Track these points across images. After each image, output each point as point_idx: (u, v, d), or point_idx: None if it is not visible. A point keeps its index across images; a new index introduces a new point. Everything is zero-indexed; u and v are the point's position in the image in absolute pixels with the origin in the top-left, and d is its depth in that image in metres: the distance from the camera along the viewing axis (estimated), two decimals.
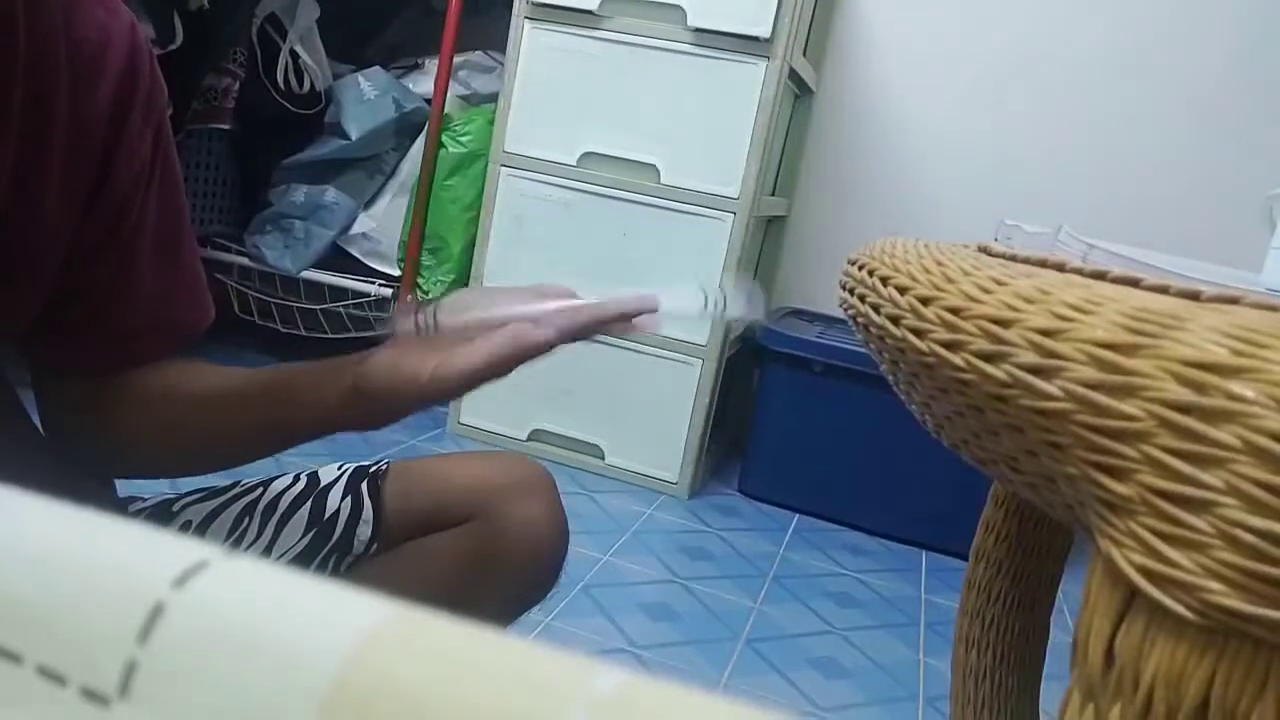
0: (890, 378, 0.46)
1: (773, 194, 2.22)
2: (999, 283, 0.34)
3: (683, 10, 1.89)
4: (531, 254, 2.05)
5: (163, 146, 0.68)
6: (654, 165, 1.96)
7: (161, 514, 0.76)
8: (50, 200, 0.61)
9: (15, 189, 0.59)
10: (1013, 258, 0.45)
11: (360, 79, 2.23)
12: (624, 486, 2.04)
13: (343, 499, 0.76)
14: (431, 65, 2.24)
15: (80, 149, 0.62)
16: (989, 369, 0.32)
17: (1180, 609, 0.26)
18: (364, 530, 0.75)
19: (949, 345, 0.34)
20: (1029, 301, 0.32)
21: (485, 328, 0.57)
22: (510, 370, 0.57)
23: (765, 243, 2.36)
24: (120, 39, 0.63)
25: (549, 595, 0.79)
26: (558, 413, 2.09)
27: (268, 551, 0.74)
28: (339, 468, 0.80)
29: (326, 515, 0.75)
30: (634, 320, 0.60)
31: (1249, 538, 0.25)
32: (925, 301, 0.36)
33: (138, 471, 0.78)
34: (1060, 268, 0.40)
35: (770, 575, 1.75)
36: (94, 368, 0.69)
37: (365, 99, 2.21)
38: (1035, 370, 0.30)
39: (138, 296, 0.68)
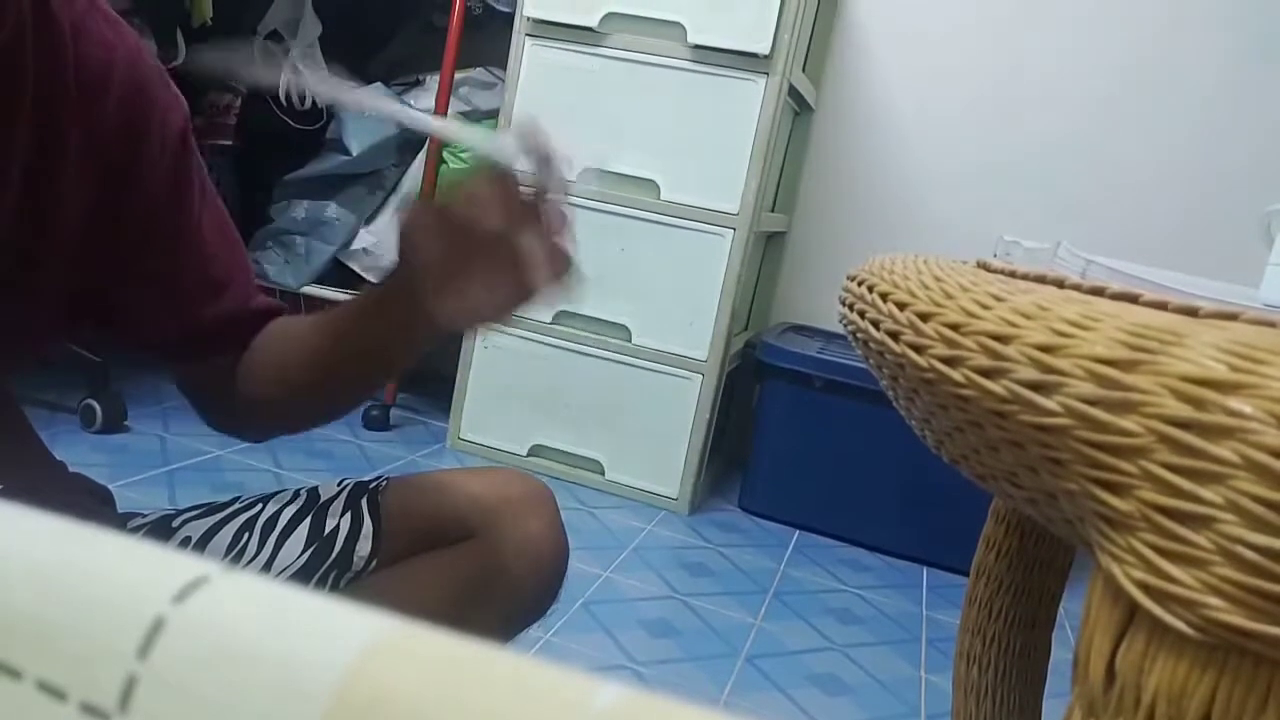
0: (890, 393, 0.46)
1: (772, 210, 2.23)
2: (998, 298, 0.34)
3: (682, 27, 1.90)
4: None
5: (190, 161, 0.69)
6: (654, 181, 1.97)
7: (161, 530, 0.76)
8: (65, 213, 0.62)
9: (27, 202, 0.59)
10: (1011, 273, 0.45)
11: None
12: (624, 502, 2.03)
13: (342, 515, 0.76)
14: (433, 82, 2.25)
15: (93, 164, 0.62)
16: (988, 385, 0.32)
17: (1181, 625, 0.26)
18: (363, 547, 0.75)
19: (948, 361, 0.34)
20: (1028, 317, 0.32)
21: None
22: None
23: (765, 259, 2.36)
24: (124, 60, 0.64)
25: (549, 611, 0.79)
26: (558, 428, 2.09)
27: (267, 568, 0.74)
28: (339, 484, 0.79)
29: (326, 532, 0.75)
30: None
31: (1249, 554, 0.25)
32: (924, 317, 0.36)
33: (286, 425, 0.81)
34: (1059, 283, 0.40)
35: (771, 591, 1.74)
36: (190, 357, 0.74)
37: (366, 115, 2.22)
38: (1034, 386, 0.30)
39: (207, 293, 0.71)
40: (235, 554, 0.75)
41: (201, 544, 0.75)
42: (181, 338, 0.71)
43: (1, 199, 0.58)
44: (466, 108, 2.30)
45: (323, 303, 2.21)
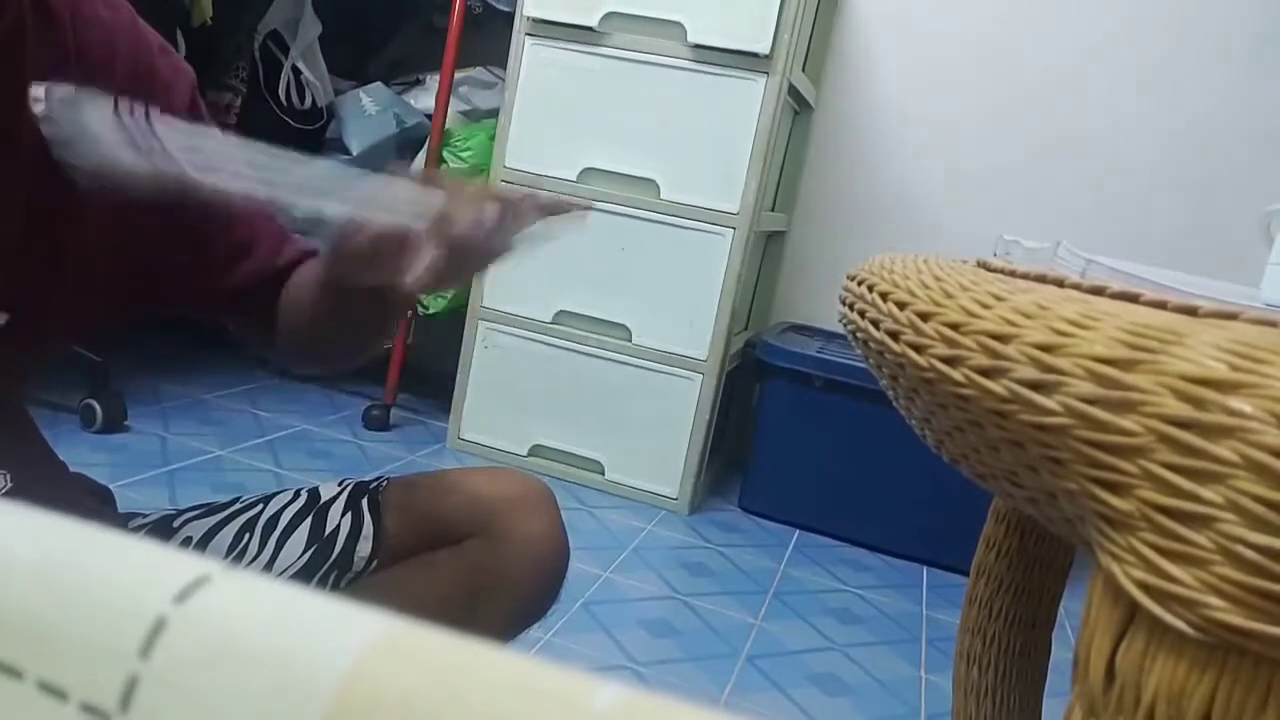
0: (890, 393, 0.46)
1: (772, 209, 2.23)
2: (998, 298, 0.34)
3: (682, 27, 1.90)
4: (531, 269, 2.05)
5: (201, 124, 0.69)
6: (654, 180, 1.97)
7: (162, 530, 0.76)
8: (81, 202, 0.62)
9: (37, 197, 0.59)
10: (1011, 273, 0.45)
11: (362, 95, 2.24)
12: (624, 502, 2.03)
13: (343, 515, 0.76)
14: (433, 81, 2.25)
15: None
16: (988, 384, 0.32)
17: (1181, 625, 0.26)
18: (364, 547, 0.75)
19: (948, 360, 0.34)
20: (1028, 316, 0.32)
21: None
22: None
23: (765, 258, 2.36)
24: (124, 40, 0.64)
25: (549, 612, 0.79)
26: (558, 428, 2.09)
27: (268, 568, 0.74)
28: (339, 484, 0.79)
29: (327, 532, 0.75)
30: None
31: (1249, 553, 0.25)
32: (924, 317, 0.36)
33: (321, 362, 0.83)
34: (1059, 283, 0.40)
35: (771, 591, 1.74)
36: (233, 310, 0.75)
37: (367, 114, 2.22)
38: (1034, 385, 0.30)
39: (234, 258, 0.71)
40: (236, 554, 0.75)
41: (202, 544, 0.75)
42: (214, 304, 0.73)
43: (10, 200, 0.58)
44: (466, 107, 2.30)
45: None
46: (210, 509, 0.78)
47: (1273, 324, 0.31)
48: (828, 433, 2.04)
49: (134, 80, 0.64)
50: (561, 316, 2.05)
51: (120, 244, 0.65)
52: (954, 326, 0.34)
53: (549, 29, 1.97)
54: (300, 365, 0.81)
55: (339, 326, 0.71)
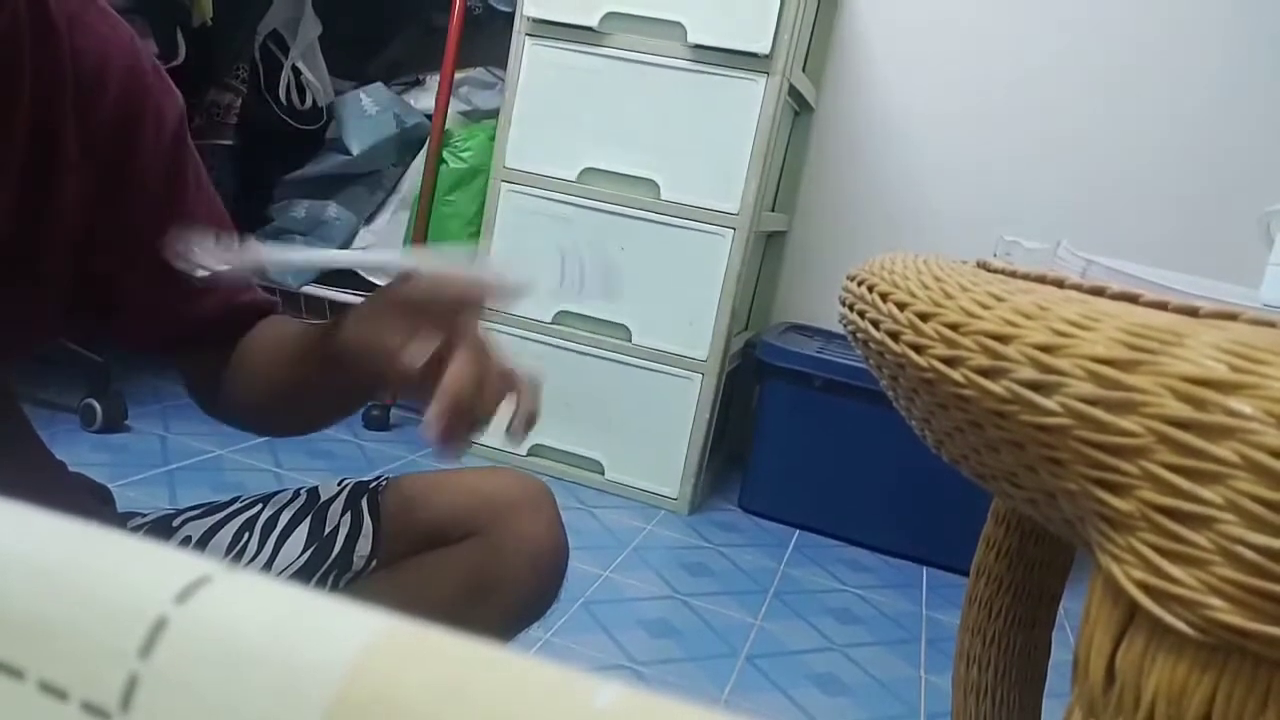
0: (890, 393, 0.46)
1: (772, 210, 2.23)
2: (998, 298, 0.34)
3: (682, 27, 1.90)
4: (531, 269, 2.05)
5: (186, 154, 0.69)
6: (654, 181, 1.97)
7: (161, 529, 0.76)
8: (65, 210, 0.62)
9: (26, 196, 0.59)
10: (1011, 273, 0.45)
11: (362, 95, 2.24)
12: (624, 502, 2.03)
13: (342, 515, 0.76)
14: (433, 81, 2.25)
15: (91, 160, 0.62)
16: (988, 385, 0.32)
17: (1181, 625, 0.26)
18: (363, 546, 0.75)
19: (948, 361, 0.34)
20: (1028, 317, 0.32)
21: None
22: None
23: (765, 258, 2.36)
24: (120, 53, 0.64)
25: (549, 611, 0.79)
26: (557, 428, 2.09)
27: (267, 568, 0.74)
28: (339, 483, 0.79)
29: (326, 531, 0.75)
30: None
31: (1249, 554, 0.25)
32: (924, 317, 0.36)
33: (268, 427, 0.81)
34: (1059, 283, 0.40)
35: (771, 591, 1.74)
36: (188, 351, 0.74)
37: (367, 115, 2.22)
38: (1034, 386, 0.30)
39: (195, 291, 0.70)
40: (235, 554, 0.75)
41: (202, 544, 0.75)
42: (168, 335, 0.72)
43: (0, 197, 0.58)
44: (467, 107, 2.30)
45: (322, 302, 2.21)
46: (210, 508, 0.78)
47: (1272, 325, 0.31)
48: (828, 433, 2.04)
49: (126, 95, 0.64)
50: (561, 316, 2.05)
51: (86, 260, 0.65)
52: (954, 327, 0.34)
53: (549, 29, 1.97)
54: (238, 424, 0.77)
55: (306, 391, 0.69)
